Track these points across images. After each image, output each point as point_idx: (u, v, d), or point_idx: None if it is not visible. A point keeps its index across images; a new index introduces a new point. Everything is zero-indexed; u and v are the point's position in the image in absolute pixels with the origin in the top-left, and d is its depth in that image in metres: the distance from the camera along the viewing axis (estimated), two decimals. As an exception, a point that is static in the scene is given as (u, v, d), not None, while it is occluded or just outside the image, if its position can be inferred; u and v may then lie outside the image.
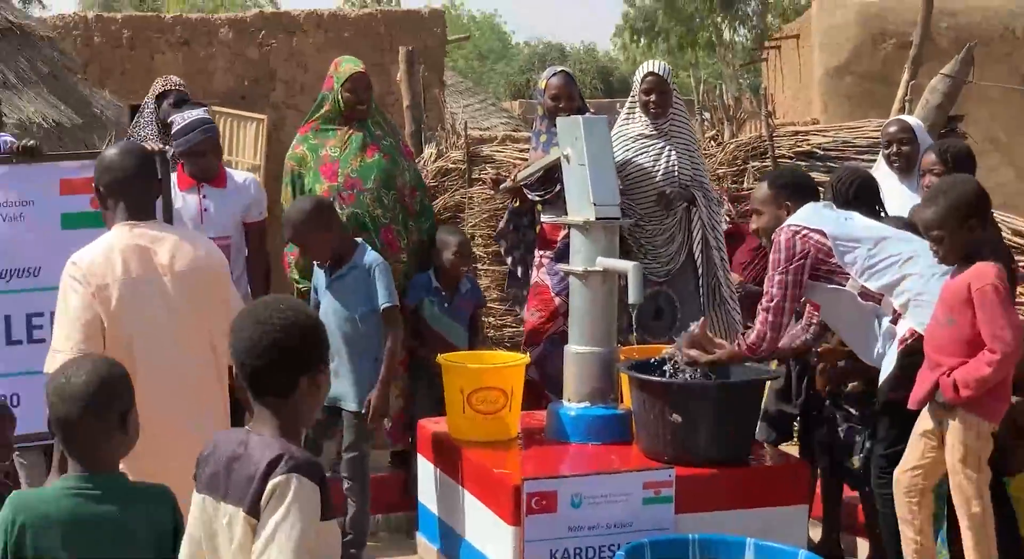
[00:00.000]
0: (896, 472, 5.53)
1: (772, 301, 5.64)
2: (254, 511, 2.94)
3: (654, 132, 7.33)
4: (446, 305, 7.34)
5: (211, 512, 3.08)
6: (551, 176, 7.26)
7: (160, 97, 7.28)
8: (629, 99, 7.55)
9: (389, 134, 7.54)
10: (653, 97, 7.29)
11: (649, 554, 5.42)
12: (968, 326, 5.17)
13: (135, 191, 5.01)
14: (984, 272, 5.18)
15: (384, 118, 7.64)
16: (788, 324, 5.76)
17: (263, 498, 2.92)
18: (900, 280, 5.55)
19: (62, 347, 4.70)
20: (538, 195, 7.46)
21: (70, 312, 4.82)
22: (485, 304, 8.11)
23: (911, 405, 5.36)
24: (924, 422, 5.44)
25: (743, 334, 5.96)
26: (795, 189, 5.80)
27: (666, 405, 5.71)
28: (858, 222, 5.78)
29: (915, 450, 5.48)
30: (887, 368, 5.58)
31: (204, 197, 6.88)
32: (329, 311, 6.51)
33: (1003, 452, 5.43)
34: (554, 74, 7.54)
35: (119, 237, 4.93)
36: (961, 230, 5.22)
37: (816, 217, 5.68)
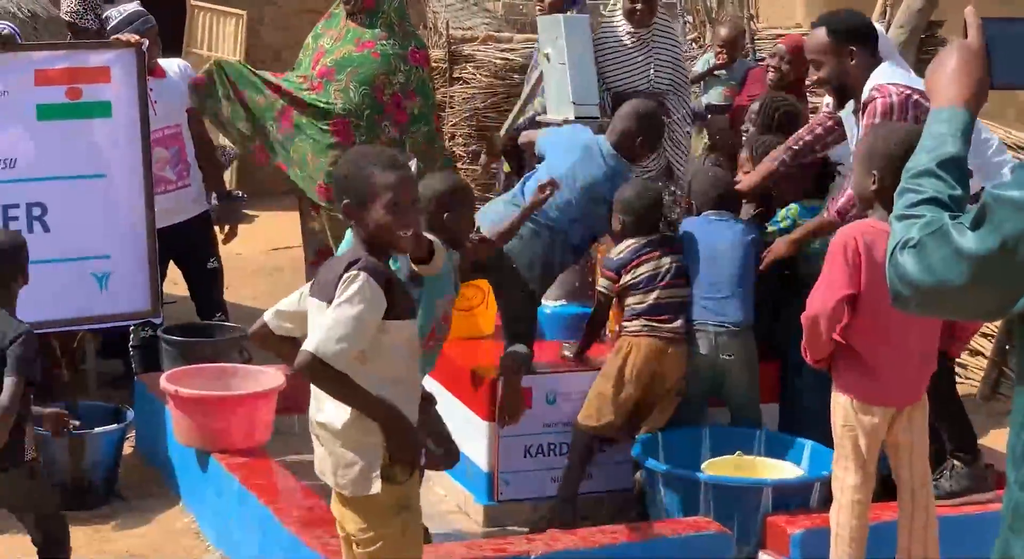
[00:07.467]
0: None
1: None
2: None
3: (635, 42, 7.18)
4: None
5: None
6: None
7: None
8: (611, 3, 7.41)
9: (398, 36, 7.36)
10: (639, 5, 7.01)
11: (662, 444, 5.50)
12: None
13: None
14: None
15: (402, 21, 7.45)
16: None
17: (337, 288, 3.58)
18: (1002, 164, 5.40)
19: None
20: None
21: None
22: None
23: None
24: None
25: (833, 199, 5.38)
26: (859, 33, 5.15)
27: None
28: None
29: None
30: None
31: (151, 89, 6.81)
32: None
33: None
34: None
35: None
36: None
37: (919, 82, 4.92)
